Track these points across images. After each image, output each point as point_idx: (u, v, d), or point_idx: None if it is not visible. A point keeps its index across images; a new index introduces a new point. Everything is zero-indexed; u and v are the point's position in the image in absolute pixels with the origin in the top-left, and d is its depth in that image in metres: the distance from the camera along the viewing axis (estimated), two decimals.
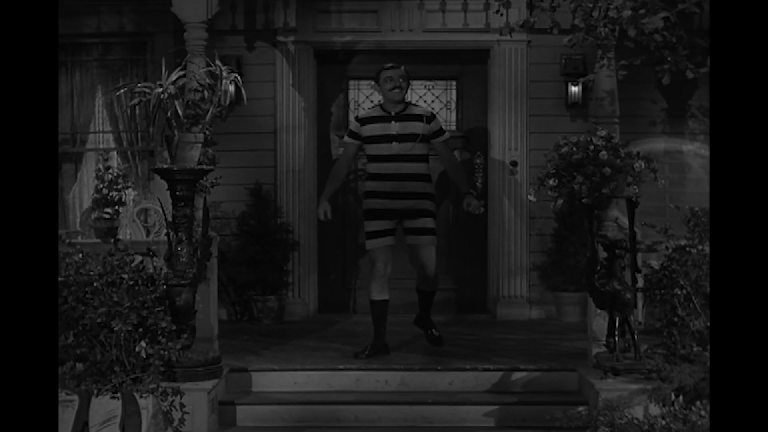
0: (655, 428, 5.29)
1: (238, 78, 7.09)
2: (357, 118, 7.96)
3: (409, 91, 8.01)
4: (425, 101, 10.66)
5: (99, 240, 8.65)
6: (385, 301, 7.71)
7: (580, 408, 5.84)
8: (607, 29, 6.75)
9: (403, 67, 7.87)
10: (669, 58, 6.81)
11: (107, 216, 9.10)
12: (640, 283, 6.98)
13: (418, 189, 7.71)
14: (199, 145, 6.91)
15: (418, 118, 7.78)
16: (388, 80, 7.75)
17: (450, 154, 8.04)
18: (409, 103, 7.96)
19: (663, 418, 5.46)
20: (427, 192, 7.78)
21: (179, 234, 6.76)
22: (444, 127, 7.99)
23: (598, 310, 7.10)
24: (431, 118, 7.84)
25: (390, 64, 7.92)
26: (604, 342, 6.96)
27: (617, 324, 6.78)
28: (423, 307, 8.01)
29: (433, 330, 8.02)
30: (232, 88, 7.41)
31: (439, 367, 7.29)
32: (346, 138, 7.94)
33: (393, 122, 7.72)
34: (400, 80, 7.76)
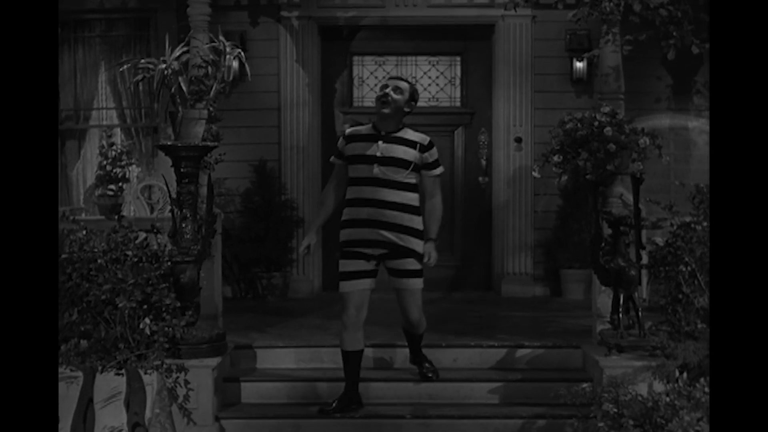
0: (660, 405, 5.28)
1: (242, 54, 7.06)
2: (343, 135, 6.73)
3: (411, 76, 6.88)
4: (429, 77, 10.62)
5: (103, 217, 8.64)
6: (359, 352, 6.61)
7: (585, 385, 5.83)
8: (612, 4, 6.72)
9: (406, 81, 6.69)
10: (674, 33, 6.78)
11: (111, 193, 9.08)
12: (645, 260, 6.97)
13: (400, 221, 6.42)
14: (203, 121, 6.89)
15: (410, 144, 6.50)
16: (381, 90, 6.58)
17: (435, 192, 6.66)
18: (406, 126, 6.62)
19: (667, 395, 5.45)
20: (412, 227, 6.48)
21: (183, 211, 6.75)
22: (439, 160, 6.70)
23: (603, 287, 7.09)
24: (427, 147, 6.55)
25: (395, 76, 7.18)
26: (609, 319, 6.95)
27: (621, 301, 6.77)
28: (411, 348, 6.96)
29: (426, 365, 6.96)
30: (235, 64, 7.38)
31: (443, 344, 7.28)
32: (333, 159, 6.78)
33: (379, 142, 6.47)
34: (393, 92, 6.50)
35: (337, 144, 6.74)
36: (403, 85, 6.56)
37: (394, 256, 6.46)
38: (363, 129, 6.66)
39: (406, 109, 6.55)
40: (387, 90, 6.47)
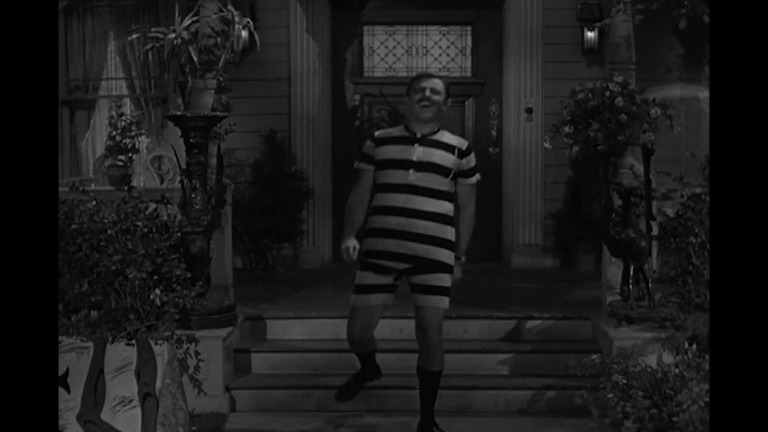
0: (669, 376, 5.28)
1: (251, 23, 7.04)
2: (373, 138, 5.95)
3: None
4: (440, 47, 10.57)
5: (113, 187, 8.64)
6: (366, 354, 6.10)
7: (594, 356, 5.83)
8: None
9: (440, 79, 5.95)
10: (686, 2, 6.74)
11: (121, 163, 9.09)
12: (655, 231, 6.96)
13: (432, 232, 5.67)
14: (213, 91, 6.87)
15: (449, 148, 5.79)
16: (416, 92, 5.82)
17: (470, 202, 5.92)
18: (442, 129, 5.90)
19: (676, 366, 5.45)
20: (445, 238, 5.73)
21: (193, 181, 6.74)
22: (476, 167, 5.94)
23: (613, 259, 7.08)
24: (465, 152, 5.83)
25: (425, 73, 6.38)
26: (619, 290, 6.95)
27: (631, 272, 6.77)
28: (424, 400, 5.97)
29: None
30: (245, 33, 7.37)
31: (453, 315, 7.28)
32: (358, 164, 5.94)
33: (416, 145, 5.75)
34: (432, 94, 5.80)
35: (362, 148, 5.95)
36: (438, 84, 5.85)
37: (421, 271, 5.69)
38: (395, 131, 5.94)
39: (443, 109, 5.90)
40: (426, 93, 5.77)
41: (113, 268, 6.11)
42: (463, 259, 5.86)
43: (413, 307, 5.77)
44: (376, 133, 5.97)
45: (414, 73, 6.41)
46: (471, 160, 5.85)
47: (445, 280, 5.73)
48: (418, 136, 5.78)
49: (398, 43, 10.58)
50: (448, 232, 5.73)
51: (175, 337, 5.91)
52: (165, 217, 6.60)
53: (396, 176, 5.72)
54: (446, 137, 5.84)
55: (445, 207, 5.73)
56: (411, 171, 5.69)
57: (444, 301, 5.74)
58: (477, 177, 5.90)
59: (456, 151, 5.78)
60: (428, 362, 5.85)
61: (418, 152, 5.72)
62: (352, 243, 5.78)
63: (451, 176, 5.73)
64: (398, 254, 5.67)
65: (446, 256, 5.72)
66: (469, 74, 10.59)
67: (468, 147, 5.87)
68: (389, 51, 10.59)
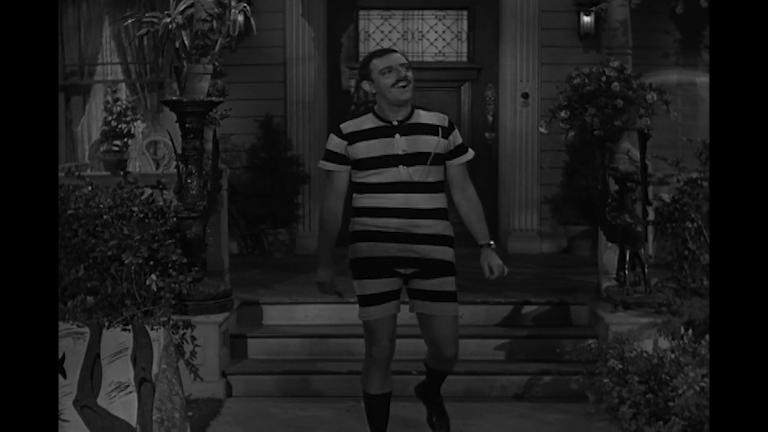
0: (665, 361, 5.28)
1: (247, 8, 7.02)
2: (339, 132, 5.02)
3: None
4: (436, 32, 10.54)
5: (108, 172, 8.65)
6: (387, 395, 5.20)
7: (590, 341, 5.83)
8: None
9: (399, 52, 5.12)
10: None
11: (116, 148, 9.09)
12: (651, 217, 6.95)
13: (434, 230, 4.99)
14: (209, 76, 6.86)
15: (431, 129, 5.00)
16: (387, 72, 4.95)
17: (467, 182, 5.15)
18: (414, 107, 5.07)
19: (672, 351, 5.45)
20: (446, 235, 5.06)
21: (189, 166, 6.73)
22: (464, 141, 5.23)
23: (609, 244, 7.09)
24: (449, 128, 5.06)
25: (384, 49, 5.33)
26: (615, 276, 6.96)
27: (628, 257, 6.78)
28: (431, 386, 5.49)
29: (439, 411, 5.57)
30: (240, 18, 7.34)
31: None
32: (324, 164, 5.03)
33: (396, 136, 4.92)
34: (406, 71, 4.96)
35: (328, 144, 5.03)
36: (404, 58, 5.06)
37: (427, 275, 4.98)
38: (364, 122, 5.03)
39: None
40: (401, 72, 4.92)
41: (109, 253, 6.09)
42: (493, 244, 5.20)
43: (417, 317, 5.07)
44: (343, 127, 5.03)
45: (410, 58, 5.50)
46: (457, 136, 5.09)
47: (452, 283, 5.05)
48: (395, 123, 4.95)
49: (394, 27, 10.56)
50: (448, 228, 5.07)
51: (171, 322, 5.90)
52: (161, 203, 6.58)
53: (385, 175, 4.90)
54: (424, 117, 5.02)
55: (443, 200, 5.04)
56: (401, 167, 4.88)
57: (456, 308, 5.05)
58: (470, 153, 5.17)
59: (439, 130, 5.00)
60: (441, 365, 5.26)
61: (402, 143, 4.90)
62: (328, 276, 5.11)
63: (431, 161, 4.93)
64: (404, 259, 4.95)
65: (449, 254, 5.06)
66: (465, 59, 10.57)
67: (450, 122, 5.09)
68: (385, 36, 10.57)
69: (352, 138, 4.95)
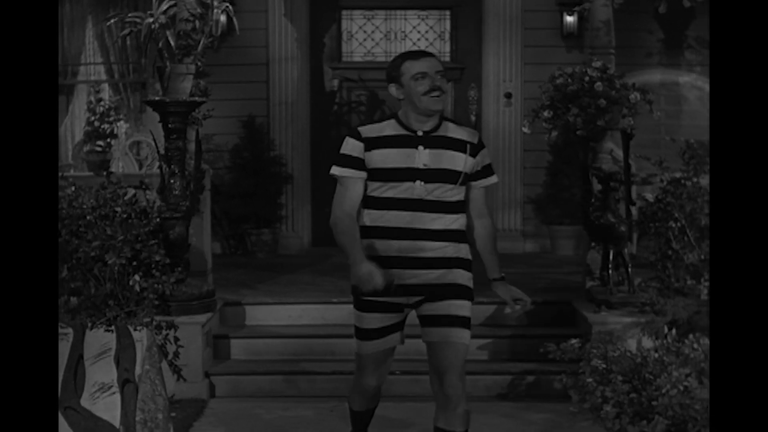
0: (648, 361, 5.29)
1: (230, 7, 7.00)
2: (357, 135, 4.41)
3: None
4: (419, 32, 10.55)
5: (91, 173, 8.61)
6: (371, 409, 4.93)
7: (574, 341, 5.84)
8: None
9: (435, 58, 4.47)
10: None
11: (99, 149, 9.06)
12: (635, 216, 6.98)
13: (444, 253, 4.40)
14: (191, 76, 6.84)
15: (459, 145, 4.40)
16: (420, 78, 4.34)
17: (485, 209, 4.59)
18: (444, 118, 4.49)
19: (656, 350, 5.47)
20: (460, 257, 4.46)
21: (172, 167, 6.72)
22: (492, 164, 4.58)
23: (593, 244, 7.10)
24: (478, 146, 4.46)
25: (419, 50, 5.00)
26: (599, 275, 6.97)
27: (611, 257, 6.79)
28: None
29: None
30: (223, 17, 7.32)
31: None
32: (338, 170, 4.40)
33: (420, 148, 4.34)
34: (441, 78, 4.37)
35: (344, 149, 4.41)
36: (439, 63, 4.44)
37: (436, 298, 4.39)
38: (386, 128, 4.42)
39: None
40: (436, 81, 4.33)
41: (92, 254, 6.07)
42: (504, 276, 4.62)
43: (425, 345, 4.44)
44: (362, 130, 4.42)
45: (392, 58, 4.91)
46: (486, 156, 4.50)
47: (465, 308, 4.42)
48: (420, 134, 4.37)
49: (377, 27, 10.56)
50: (463, 250, 4.47)
51: (154, 323, 5.89)
52: (144, 203, 6.57)
53: (398, 190, 4.33)
54: (452, 130, 4.44)
55: (460, 221, 4.45)
56: (418, 183, 4.31)
57: (466, 335, 4.39)
58: (495, 177, 4.59)
59: (468, 147, 4.41)
60: (449, 421, 4.38)
61: (424, 157, 4.33)
62: (371, 266, 4.22)
63: (461, 181, 4.39)
64: (407, 287, 4.37)
65: (464, 277, 4.46)
66: (448, 59, 10.57)
67: (480, 139, 4.52)
68: (368, 35, 10.57)
69: (370, 144, 4.36)
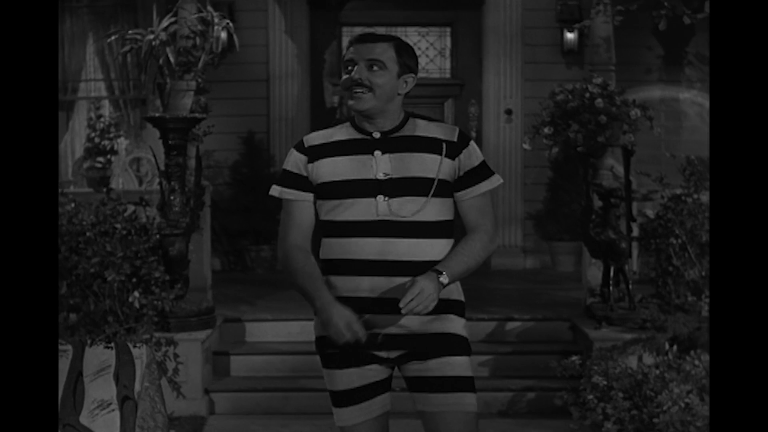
0: (649, 377, 5.28)
1: (230, 24, 7.01)
2: (300, 145, 3.53)
3: (403, 74, 3.15)
4: (419, 48, 10.56)
5: (91, 189, 8.61)
6: None
7: (574, 357, 5.84)
8: None
9: (387, 40, 3.38)
10: (666, 3, 6.74)
11: (99, 165, 9.06)
12: (635, 233, 6.97)
13: None
14: (191, 93, 6.85)
15: (432, 145, 3.36)
16: (345, 70, 3.40)
17: (485, 219, 3.46)
18: (413, 114, 3.46)
19: (657, 367, 5.46)
20: (451, 299, 3.45)
21: (172, 183, 6.71)
22: (486, 163, 3.45)
23: (593, 260, 7.09)
24: (458, 145, 3.38)
25: (366, 31, 3.45)
26: (599, 291, 6.96)
27: (612, 273, 6.78)
28: None
29: None
30: (224, 34, 7.33)
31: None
32: (277, 190, 3.59)
33: (376, 153, 3.34)
34: (368, 72, 3.33)
35: (285, 163, 3.57)
36: (380, 49, 3.34)
37: (423, 355, 3.39)
38: (338, 131, 3.46)
39: (400, 92, 3.39)
40: (361, 74, 3.33)
41: (92, 270, 6.07)
42: (445, 280, 3.28)
43: (419, 415, 3.45)
44: (307, 139, 3.52)
45: None
46: (472, 154, 3.40)
47: (463, 365, 3.42)
48: (377, 136, 3.38)
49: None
50: (454, 290, 3.46)
51: (153, 339, 5.88)
52: (144, 220, 6.57)
53: (356, 210, 3.33)
54: (422, 128, 3.40)
55: (440, 247, 3.36)
56: (380, 198, 3.30)
57: (471, 400, 3.43)
58: (494, 179, 3.42)
59: (444, 146, 3.34)
60: None
61: (383, 164, 3.32)
62: (345, 311, 3.28)
63: (437, 190, 3.32)
64: (385, 337, 3.36)
65: (457, 325, 3.47)
66: (448, 75, 10.59)
67: (461, 135, 3.41)
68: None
69: (315, 153, 3.43)
